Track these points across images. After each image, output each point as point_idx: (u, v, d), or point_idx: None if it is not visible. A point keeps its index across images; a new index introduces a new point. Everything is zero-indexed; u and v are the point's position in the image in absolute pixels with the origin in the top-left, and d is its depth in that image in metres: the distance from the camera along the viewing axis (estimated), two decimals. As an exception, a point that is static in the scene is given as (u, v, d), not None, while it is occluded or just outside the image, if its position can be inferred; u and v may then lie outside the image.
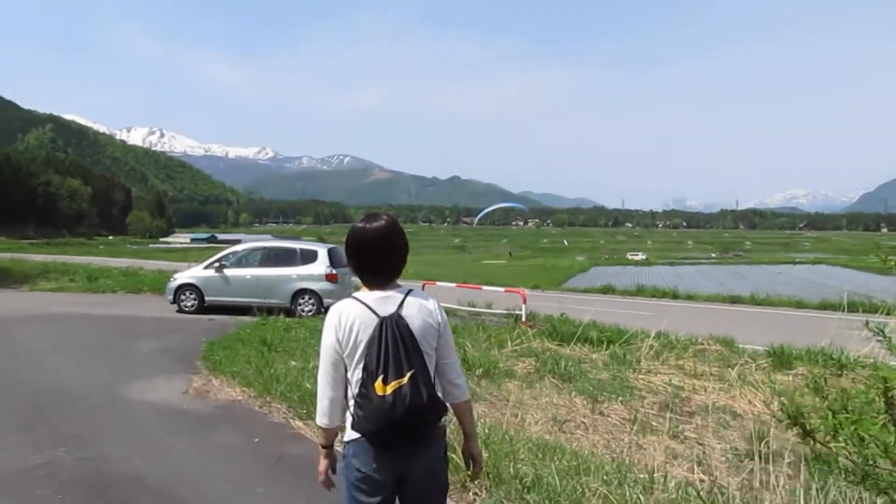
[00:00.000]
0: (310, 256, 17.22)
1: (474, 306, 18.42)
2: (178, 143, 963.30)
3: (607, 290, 30.23)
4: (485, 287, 18.73)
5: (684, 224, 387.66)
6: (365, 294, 2.91)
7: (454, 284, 19.07)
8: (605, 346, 12.47)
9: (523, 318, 15.76)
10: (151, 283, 22.62)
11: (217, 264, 17.47)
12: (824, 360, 10.97)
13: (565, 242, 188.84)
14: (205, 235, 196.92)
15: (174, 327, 14.50)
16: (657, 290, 29.34)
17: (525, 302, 15.93)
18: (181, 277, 17.71)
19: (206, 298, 17.35)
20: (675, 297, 27.95)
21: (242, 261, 17.79)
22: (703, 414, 8.52)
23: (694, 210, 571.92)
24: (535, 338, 12.90)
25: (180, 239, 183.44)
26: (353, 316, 2.84)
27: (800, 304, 24.86)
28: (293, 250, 17.65)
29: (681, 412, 8.62)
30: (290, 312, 16.38)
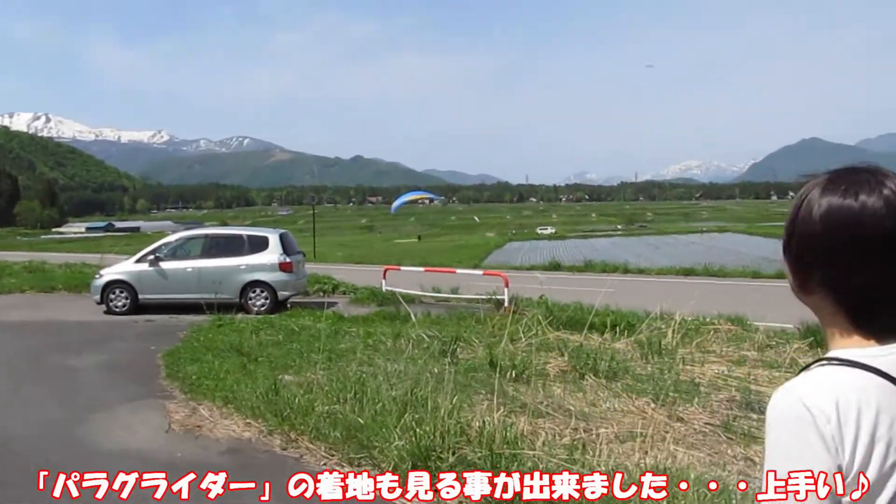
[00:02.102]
0: (259, 244, 15.20)
1: (439, 291, 16.80)
2: (67, 128, 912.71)
3: (554, 266, 29.08)
4: (459, 271, 17.14)
5: (587, 197, 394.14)
6: (872, 352, 1.23)
7: (422, 268, 17.36)
8: (616, 332, 11.11)
9: (506, 304, 14.27)
10: (65, 280, 19.89)
11: (151, 257, 15.19)
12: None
13: (475, 219, 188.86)
14: (101, 224, 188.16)
15: (110, 333, 12.31)
16: (607, 264, 28.37)
17: (507, 286, 14.43)
18: (109, 273, 15.35)
19: (140, 297, 15.08)
20: (626, 270, 27.03)
21: (179, 252, 15.60)
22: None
23: (595, 183, 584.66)
24: (535, 326, 11.34)
25: (74, 229, 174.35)
26: (869, 410, 1.17)
27: (756, 275, 24.33)
28: (239, 237, 15.59)
29: (761, 411, 7.29)
30: (239, 308, 14.38)
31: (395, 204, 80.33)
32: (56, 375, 8.93)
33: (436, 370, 8.28)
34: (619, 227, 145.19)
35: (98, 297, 15.14)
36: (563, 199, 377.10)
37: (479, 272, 17.53)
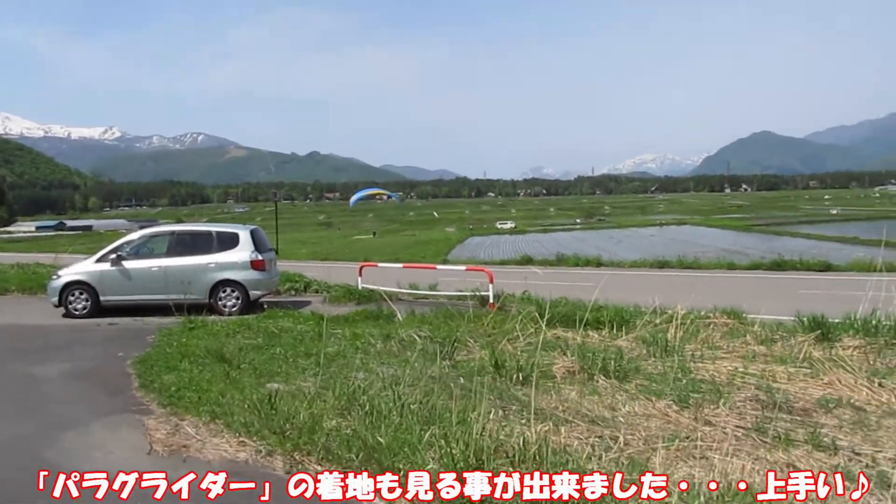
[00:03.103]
0: (229, 241, 14.38)
1: (416, 288, 16.13)
2: (14, 125, 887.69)
3: (526, 260, 28.60)
4: (441, 266, 16.47)
5: (544, 192, 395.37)
6: None
7: (400, 265, 16.67)
8: (613, 328, 10.61)
9: (490, 301, 13.67)
10: (18, 282, 18.73)
11: (113, 256, 14.25)
12: (873, 330, 9.66)
13: (434, 214, 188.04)
14: (52, 223, 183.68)
15: (72, 338, 11.43)
16: (579, 258, 27.98)
17: (492, 281, 13.83)
18: (67, 274, 14.37)
19: (102, 298, 14.15)
20: (600, 264, 26.71)
21: (143, 250, 14.68)
22: (820, 411, 6.81)
23: (552, 178, 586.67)
24: (529, 324, 10.75)
25: (24, 228, 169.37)
26: None
27: (730, 266, 24.20)
28: (208, 234, 14.73)
29: (790, 411, 6.84)
30: (209, 309, 13.56)
31: (353, 199, 79.51)
32: (17, 385, 8.10)
33: (436, 374, 7.68)
34: (578, 220, 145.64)
35: (56, 299, 14.18)
36: (521, 194, 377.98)
37: (462, 268, 16.91)
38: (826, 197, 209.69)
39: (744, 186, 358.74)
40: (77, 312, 14.04)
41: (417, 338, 9.52)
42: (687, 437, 5.85)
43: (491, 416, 5.13)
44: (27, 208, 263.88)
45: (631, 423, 6.38)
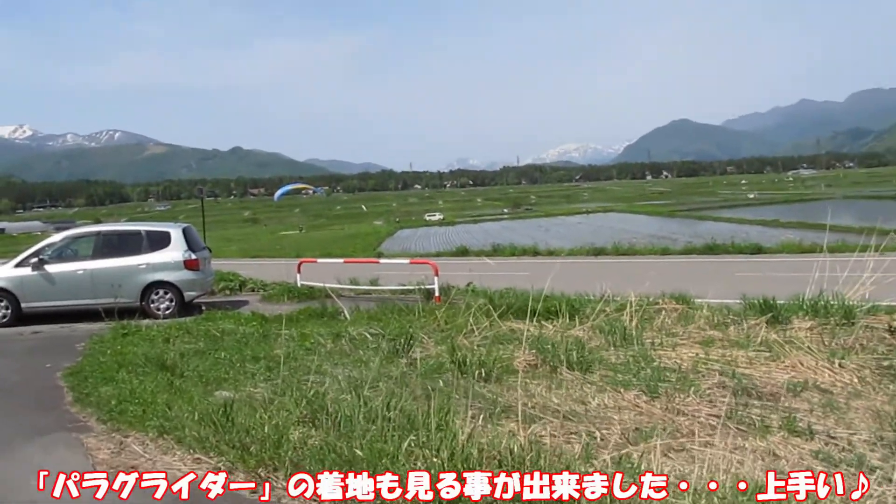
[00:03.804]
0: (160, 240, 13.67)
1: (357, 284, 15.69)
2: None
3: (463, 251, 28.35)
4: (384, 260, 16.04)
5: (471, 182, 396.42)
6: None
7: (341, 260, 16.17)
8: (566, 318, 10.40)
9: (436, 294, 13.37)
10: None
11: (35, 260, 13.37)
12: (823, 311, 9.71)
13: (363, 207, 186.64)
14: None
15: (-8, 349, 10.63)
16: (515, 247, 27.87)
17: (437, 274, 13.51)
18: (-17, 281, 13.44)
19: (24, 305, 13.30)
20: (537, 253, 26.65)
21: (67, 253, 13.84)
22: (788, 396, 6.75)
23: (478, 169, 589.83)
24: (481, 316, 10.49)
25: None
26: None
27: (665, 251, 24.49)
28: (137, 234, 13.99)
29: (759, 396, 6.77)
30: (141, 313, 12.88)
31: (278, 194, 78.33)
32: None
33: (394, 373, 7.33)
34: (505, 210, 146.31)
35: (-28, 307, 13.23)
36: (448, 185, 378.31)
37: (406, 261, 16.51)
38: (743, 182, 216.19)
39: (664, 173, 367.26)
40: (-4, 321, 13.15)
41: (368, 336, 9.15)
42: (664, 430, 5.68)
43: (469, 419, 4.80)
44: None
45: (603, 416, 6.19)
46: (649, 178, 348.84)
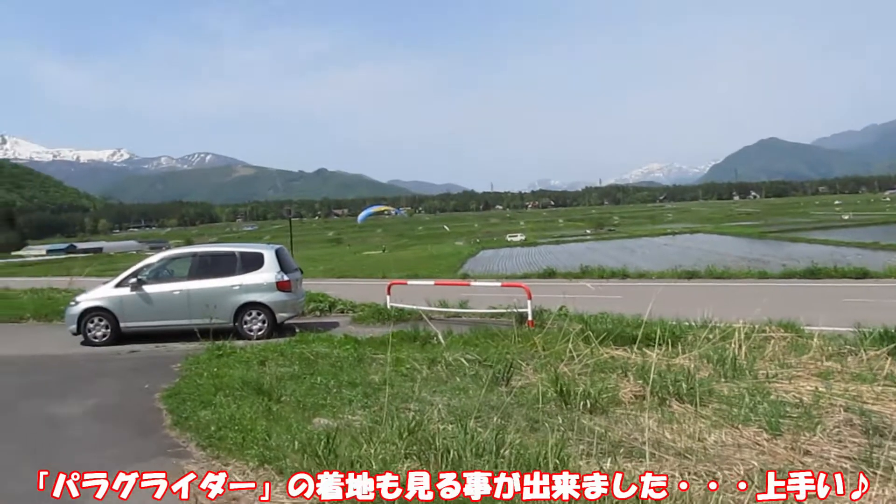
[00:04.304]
0: (253, 261, 13.75)
1: (446, 306, 15.47)
2: (23, 149, 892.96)
3: (550, 273, 27.86)
4: (475, 283, 15.79)
5: (552, 203, 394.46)
6: None
7: (431, 282, 16.01)
8: (668, 345, 9.89)
9: (529, 318, 13.02)
10: (33, 308, 18.16)
11: (134, 280, 13.63)
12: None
13: (446, 228, 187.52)
14: (62, 246, 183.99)
15: (93, 369, 10.81)
16: (604, 269, 27.23)
17: (530, 297, 13.17)
18: (85, 300, 13.77)
19: (122, 325, 13.53)
20: (626, 275, 25.95)
21: (163, 273, 14.06)
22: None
23: (559, 189, 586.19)
24: (581, 343, 10.08)
25: (35, 252, 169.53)
26: None
27: (763, 275, 23.45)
28: (231, 255, 14.10)
29: (893, 436, 6.17)
30: (234, 333, 12.98)
31: (361, 216, 79.53)
32: (35, 429, 7.39)
33: (494, 402, 7.03)
34: (588, 231, 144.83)
35: (74, 326, 13.58)
36: (529, 206, 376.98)
37: (497, 283, 16.20)
38: (836, 202, 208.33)
39: (752, 193, 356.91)
40: (96, 340, 13.46)
41: (465, 361, 8.88)
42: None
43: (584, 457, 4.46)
44: (37, 232, 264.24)
45: (722, 455, 5.73)
46: (736, 198, 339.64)
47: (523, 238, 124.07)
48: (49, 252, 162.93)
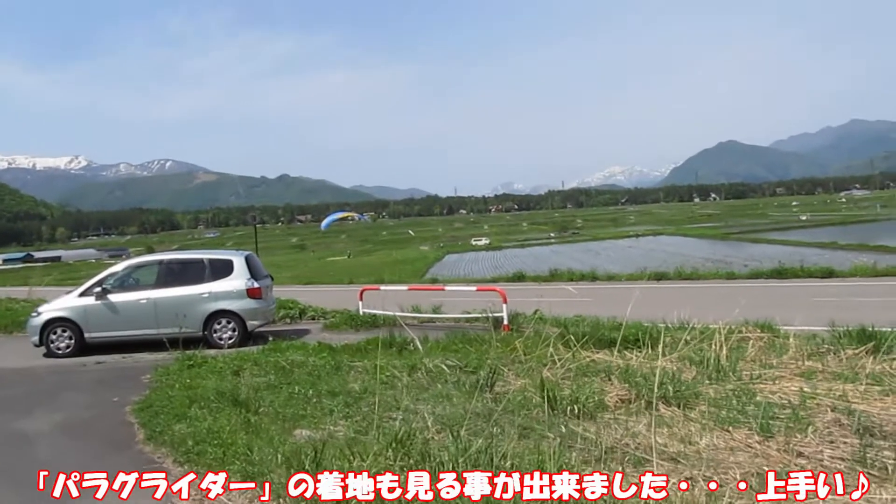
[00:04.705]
0: (223, 268, 13.44)
1: (419, 311, 15.25)
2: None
3: (520, 276, 27.78)
4: (449, 287, 15.62)
5: (516, 207, 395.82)
6: None
7: (405, 287, 15.78)
8: (648, 347, 9.83)
9: (505, 322, 12.89)
10: (-8, 320, 17.60)
11: (98, 289, 13.23)
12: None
13: (410, 232, 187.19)
14: (19, 255, 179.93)
15: (58, 382, 10.44)
16: (573, 272, 27.21)
17: (506, 301, 13.04)
18: (48, 310, 13.35)
19: (87, 335, 13.13)
20: (595, 278, 25.98)
21: (129, 282, 13.69)
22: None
23: (522, 193, 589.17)
24: (561, 346, 9.96)
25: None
26: None
27: (731, 276, 23.65)
28: (200, 262, 13.77)
29: (883, 436, 6.16)
30: (204, 342, 12.63)
31: (325, 222, 79.23)
32: (3, 447, 7.09)
33: (479, 409, 6.88)
34: (552, 234, 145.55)
35: (37, 337, 13.16)
36: (493, 210, 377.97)
37: (472, 287, 16.04)
38: (794, 203, 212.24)
39: (712, 195, 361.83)
40: (60, 352, 13.06)
41: (446, 368, 8.71)
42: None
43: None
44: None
45: (716, 459, 5.64)
46: (697, 200, 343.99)
47: (488, 242, 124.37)
48: (5, 261, 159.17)
